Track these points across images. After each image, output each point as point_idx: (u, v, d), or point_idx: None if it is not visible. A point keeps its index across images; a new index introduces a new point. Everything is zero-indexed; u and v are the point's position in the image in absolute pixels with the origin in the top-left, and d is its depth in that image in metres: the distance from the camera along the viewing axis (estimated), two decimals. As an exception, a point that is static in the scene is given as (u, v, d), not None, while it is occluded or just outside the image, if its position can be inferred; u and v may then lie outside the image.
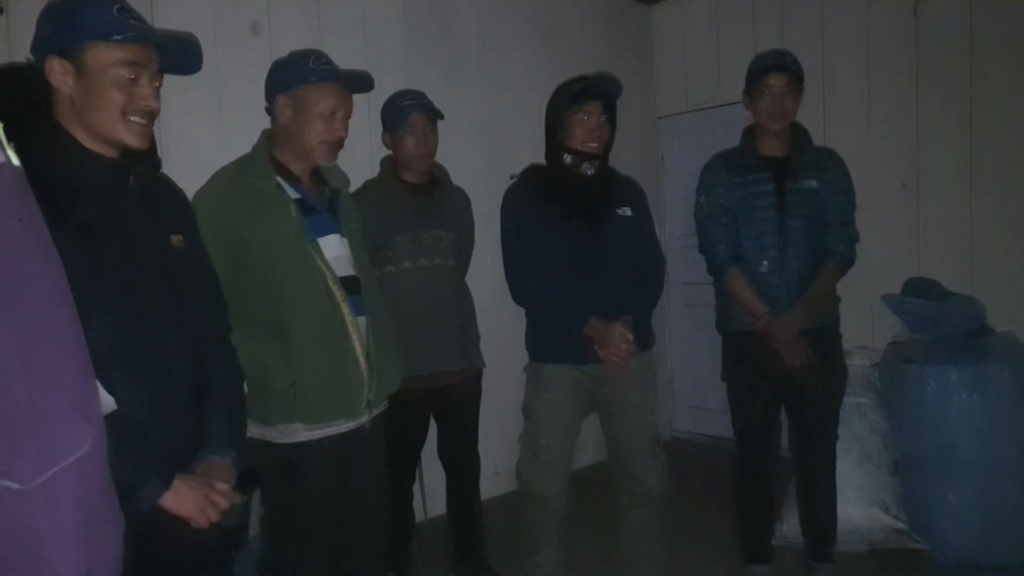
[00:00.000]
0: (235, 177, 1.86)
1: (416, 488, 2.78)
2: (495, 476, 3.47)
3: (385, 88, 2.74)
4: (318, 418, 1.82)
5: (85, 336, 1.27)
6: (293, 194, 1.86)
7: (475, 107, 3.61)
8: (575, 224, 2.27)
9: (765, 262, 2.43)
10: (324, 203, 1.92)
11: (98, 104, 1.33)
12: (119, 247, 1.36)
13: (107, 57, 1.32)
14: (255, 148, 1.92)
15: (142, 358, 1.36)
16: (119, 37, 1.31)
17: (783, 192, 2.42)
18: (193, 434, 1.46)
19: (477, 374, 2.64)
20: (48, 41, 1.34)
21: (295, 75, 1.87)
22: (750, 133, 2.55)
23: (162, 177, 1.54)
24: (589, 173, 2.27)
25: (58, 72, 1.33)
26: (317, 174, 1.95)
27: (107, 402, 1.19)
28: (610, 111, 2.28)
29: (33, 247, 0.95)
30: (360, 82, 1.93)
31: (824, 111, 3.77)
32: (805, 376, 2.38)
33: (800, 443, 2.55)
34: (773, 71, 2.40)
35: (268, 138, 1.93)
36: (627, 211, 2.32)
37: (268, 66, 2.84)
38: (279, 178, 1.86)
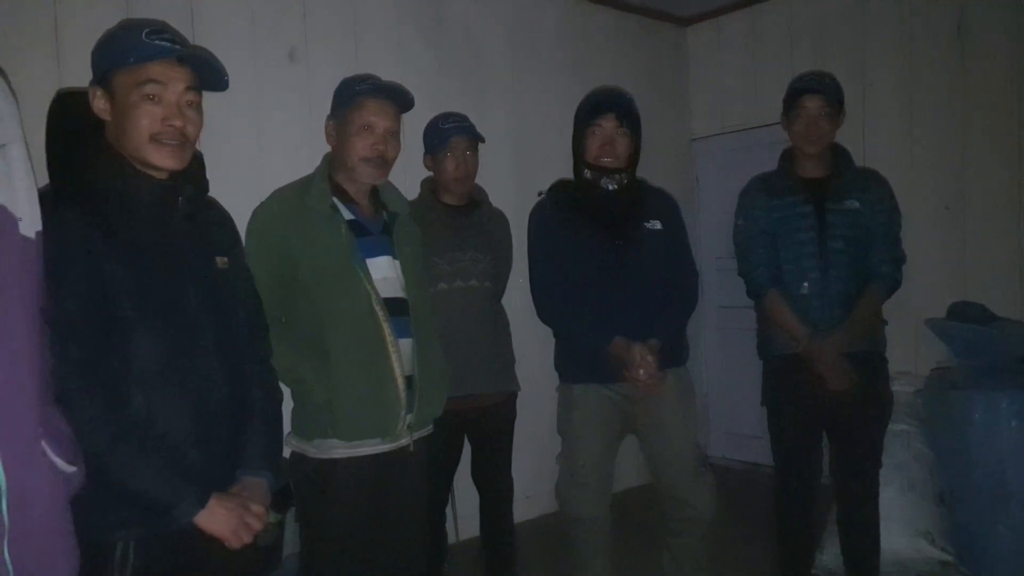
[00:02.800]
0: (292, 196, 1.91)
1: (448, 510, 2.77)
2: (527, 500, 3.45)
3: (419, 110, 2.77)
4: (353, 435, 1.83)
5: (130, 353, 1.30)
6: (347, 215, 1.90)
7: (507, 128, 3.64)
8: (601, 240, 2.25)
9: (805, 284, 2.38)
10: (379, 225, 1.95)
11: (127, 128, 1.36)
12: (165, 266, 1.38)
13: (128, 80, 1.35)
14: (316, 169, 1.97)
15: (183, 378, 1.37)
16: (132, 59, 1.34)
17: (823, 213, 2.38)
18: (231, 455, 1.47)
19: (511, 397, 2.62)
20: (93, 71, 1.39)
21: (339, 99, 1.95)
22: (788, 155, 2.52)
23: (210, 200, 1.58)
24: (610, 188, 2.26)
25: (98, 101, 1.37)
26: (376, 197, 1.99)
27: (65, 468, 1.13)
28: (629, 123, 2.26)
29: None
30: (394, 93, 1.93)
31: (864, 132, 3.72)
32: (848, 401, 2.33)
33: (842, 471, 2.48)
34: (808, 93, 2.38)
35: (329, 161, 1.97)
36: (656, 224, 2.29)
37: (305, 90, 2.95)
38: (335, 199, 1.89)
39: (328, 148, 1.99)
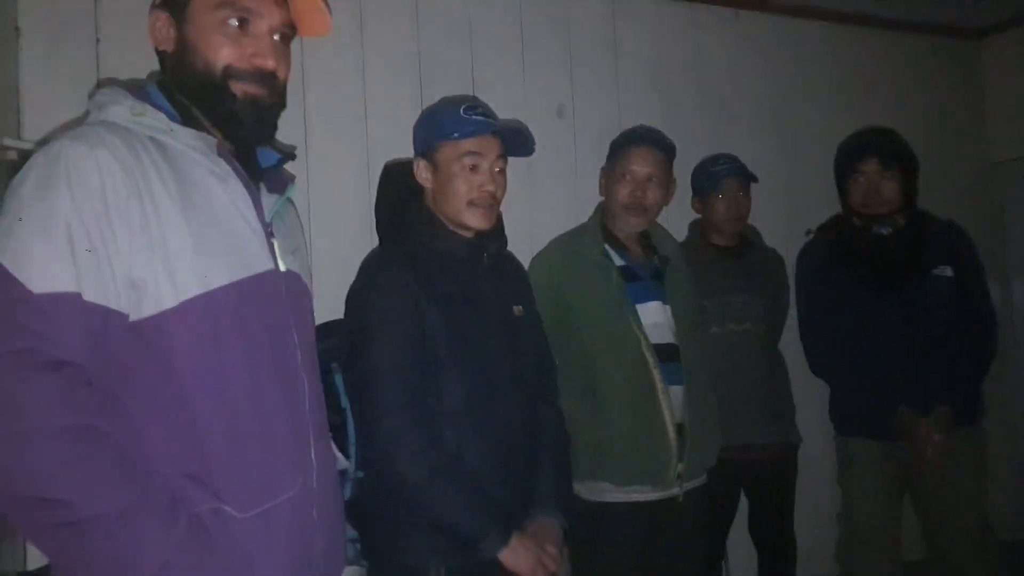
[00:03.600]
0: (567, 244, 2.02)
1: (723, 564, 2.64)
2: (807, 559, 3.19)
3: (684, 153, 2.76)
4: (623, 480, 1.83)
5: (443, 393, 1.44)
6: (618, 261, 1.96)
7: (774, 164, 3.47)
8: (879, 290, 2.09)
9: None
10: (650, 270, 1.98)
11: (448, 194, 1.53)
12: (473, 315, 1.52)
13: (451, 153, 1.52)
14: (590, 218, 2.07)
15: (488, 417, 1.48)
16: (457, 134, 1.50)
17: None
18: (526, 492, 1.54)
19: (792, 449, 2.45)
20: (416, 145, 1.60)
21: (610, 150, 2.05)
22: None
23: (508, 253, 1.72)
24: (884, 233, 2.10)
25: (422, 171, 1.57)
26: (648, 242, 2.03)
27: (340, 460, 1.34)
28: (897, 164, 2.10)
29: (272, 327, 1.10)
30: (654, 140, 2.00)
31: None
32: None
33: None
34: None
35: (602, 210, 2.06)
36: (946, 270, 2.08)
37: (573, 145, 3.07)
38: (607, 246, 1.96)
39: (599, 199, 2.09)
